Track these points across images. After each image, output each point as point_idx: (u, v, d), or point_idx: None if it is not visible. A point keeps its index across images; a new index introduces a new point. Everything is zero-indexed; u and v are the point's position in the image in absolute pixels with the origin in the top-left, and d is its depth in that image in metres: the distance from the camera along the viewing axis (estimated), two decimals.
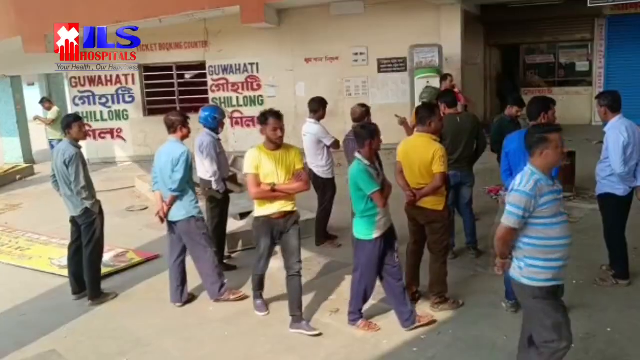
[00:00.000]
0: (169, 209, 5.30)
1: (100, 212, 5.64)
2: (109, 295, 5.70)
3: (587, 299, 5.01)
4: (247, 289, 5.62)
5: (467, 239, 6.20)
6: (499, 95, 16.47)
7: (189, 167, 5.26)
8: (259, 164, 4.66)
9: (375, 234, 4.50)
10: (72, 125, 5.49)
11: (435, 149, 4.68)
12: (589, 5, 9.50)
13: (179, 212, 5.30)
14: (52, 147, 12.66)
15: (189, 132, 5.51)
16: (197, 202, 5.42)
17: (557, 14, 14.76)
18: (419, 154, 4.74)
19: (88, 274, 5.59)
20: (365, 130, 4.55)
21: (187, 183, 5.30)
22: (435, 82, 10.77)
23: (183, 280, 5.49)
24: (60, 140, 11.29)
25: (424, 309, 4.97)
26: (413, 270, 5.11)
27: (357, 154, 4.55)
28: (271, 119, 4.66)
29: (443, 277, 4.95)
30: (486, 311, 4.87)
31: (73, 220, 5.65)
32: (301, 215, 7.29)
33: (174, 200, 5.27)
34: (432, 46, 11.71)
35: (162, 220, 5.43)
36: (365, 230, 4.53)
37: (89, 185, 5.53)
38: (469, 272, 5.76)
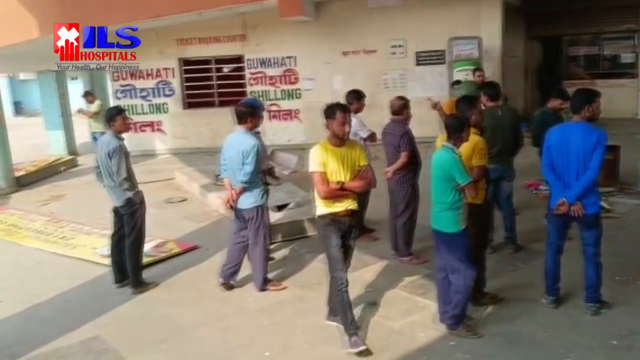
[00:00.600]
0: (237, 197, 5.43)
1: (142, 202, 5.77)
2: (149, 284, 5.82)
3: (629, 296, 4.89)
4: (287, 281, 5.71)
5: (505, 233, 6.12)
6: (539, 88, 16.15)
7: (258, 159, 5.38)
8: (325, 160, 4.34)
9: (463, 225, 4.38)
10: (115, 117, 5.61)
11: (476, 141, 4.62)
12: None
13: (247, 201, 5.44)
14: (94, 139, 12.95)
15: (257, 122, 5.67)
16: (264, 192, 5.55)
17: (602, 5, 14.40)
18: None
19: (130, 263, 5.73)
20: (457, 122, 4.37)
21: (257, 174, 5.42)
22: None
23: (237, 266, 5.65)
24: (102, 133, 11.56)
25: None
26: None
27: (446, 144, 4.36)
28: (339, 112, 4.30)
29: (481, 272, 4.89)
30: (525, 306, 4.81)
31: (115, 210, 5.78)
32: None
33: (243, 190, 5.39)
34: (472, 38, 11.58)
35: (230, 207, 5.59)
36: (453, 223, 4.36)
37: (131, 177, 5.64)
38: (508, 267, 5.69)
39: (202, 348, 4.56)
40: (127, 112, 14.88)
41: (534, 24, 15.67)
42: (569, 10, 14.82)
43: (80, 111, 13.52)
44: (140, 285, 5.74)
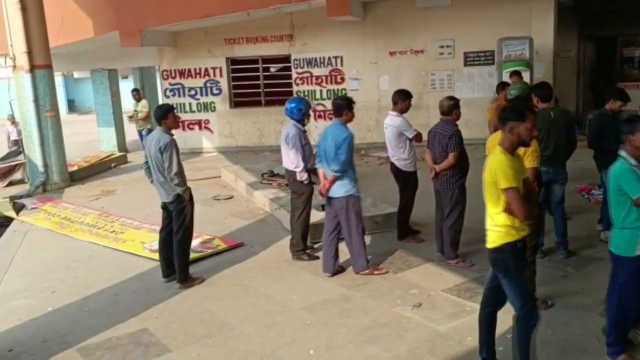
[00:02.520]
0: (330, 186, 5.64)
1: (191, 199, 5.85)
2: (196, 280, 5.90)
3: None
4: (331, 281, 5.71)
5: (557, 238, 5.95)
6: (592, 90, 15.69)
7: (351, 150, 5.60)
8: (518, 174, 3.62)
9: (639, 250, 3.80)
10: (167, 115, 5.71)
11: None
12: None
13: (338, 190, 5.66)
14: (141, 136, 13.28)
15: (353, 116, 5.86)
16: (355, 182, 5.73)
17: None
18: None
19: (177, 259, 5.82)
20: (632, 124, 3.85)
21: (349, 164, 5.61)
22: (525, 76, 10.40)
23: (336, 253, 5.84)
24: (149, 130, 11.84)
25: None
26: None
27: (621, 152, 3.84)
28: (530, 114, 3.60)
29: (531, 277, 4.76)
30: (577, 313, 4.67)
31: (164, 206, 5.88)
32: (382, 209, 7.33)
33: (335, 179, 5.60)
34: (523, 38, 11.33)
35: (323, 195, 5.80)
36: (625, 244, 3.82)
37: (181, 172, 5.72)
38: (559, 273, 5.53)
39: (248, 344, 4.59)
40: (175, 111, 15.23)
41: (587, 23, 15.21)
42: (624, 10, 14.32)
43: (132, 117, 13.92)
44: (187, 281, 5.82)
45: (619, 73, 16.07)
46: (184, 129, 14.71)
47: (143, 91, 19.08)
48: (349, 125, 5.86)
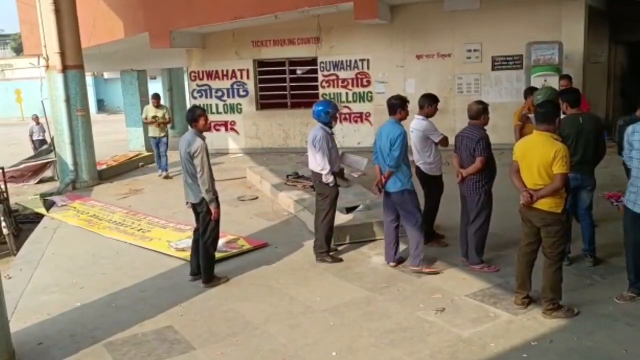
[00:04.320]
0: (386, 181, 5.87)
1: (217, 201, 5.85)
2: (221, 279, 5.96)
3: None
4: (354, 284, 5.72)
5: (584, 245, 5.87)
6: (622, 96, 15.41)
7: (405, 146, 5.81)
8: None
9: None
10: (198, 118, 5.77)
11: (558, 148, 4.47)
12: None
13: (394, 185, 5.87)
14: (155, 144, 12.22)
15: (407, 114, 6.05)
16: (410, 176, 5.93)
17: None
18: (539, 153, 4.54)
19: (204, 259, 5.88)
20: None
21: (403, 160, 5.81)
22: (554, 81, 10.27)
23: (397, 241, 6.11)
24: (158, 138, 11.78)
25: (534, 315, 4.79)
26: (524, 274, 4.92)
27: None
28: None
29: (557, 284, 4.73)
30: (603, 322, 4.61)
31: (193, 206, 5.95)
32: None
33: (390, 174, 5.82)
34: (552, 43, 11.19)
35: (379, 190, 6.02)
36: None
37: (211, 177, 5.76)
38: (585, 281, 5.46)
39: (271, 344, 4.62)
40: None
41: (618, 28, 14.94)
42: None
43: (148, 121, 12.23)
44: (212, 280, 5.89)
45: None
46: (210, 130, 14.82)
47: (171, 92, 19.40)
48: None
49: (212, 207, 5.73)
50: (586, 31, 11.98)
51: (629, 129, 4.89)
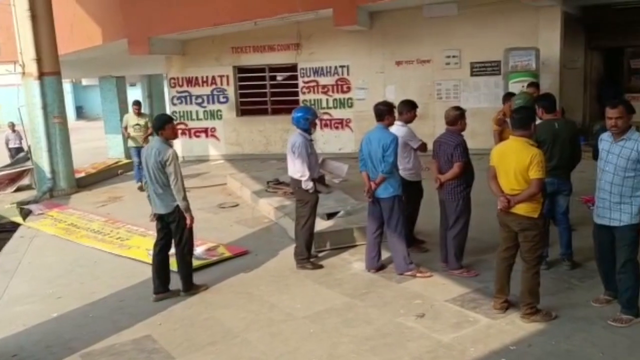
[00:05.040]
0: (376, 188, 5.85)
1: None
2: (200, 287, 5.91)
3: None
4: (335, 290, 5.71)
5: (561, 249, 5.94)
6: (599, 101, 15.65)
7: (397, 151, 5.86)
8: None
9: None
10: (165, 126, 5.60)
11: (534, 153, 4.52)
12: None
13: (386, 191, 5.87)
14: (136, 153, 12.07)
15: (394, 120, 6.09)
16: (401, 183, 5.96)
17: None
18: (515, 159, 4.59)
19: (181, 269, 5.79)
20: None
21: (395, 166, 5.85)
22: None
23: (378, 251, 6.10)
24: (141, 148, 11.43)
25: (513, 319, 4.83)
26: (503, 279, 4.96)
27: None
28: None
29: (535, 288, 4.77)
30: (580, 325, 4.65)
31: (160, 217, 5.75)
32: None
33: (383, 180, 5.80)
34: (529, 49, 11.33)
35: (370, 196, 5.96)
36: None
37: (183, 186, 5.62)
38: (563, 284, 5.51)
39: (251, 352, 4.60)
40: (182, 119, 15.16)
41: (594, 34, 15.19)
42: (632, 21, 14.30)
43: (128, 131, 11.66)
44: (191, 288, 5.83)
45: (626, 84, 16.01)
46: (190, 136, 14.80)
47: (151, 99, 19.24)
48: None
49: (188, 215, 5.63)
50: (562, 37, 12.15)
51: (601, 136, 4.92)
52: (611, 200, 4.61)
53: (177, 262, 5.81)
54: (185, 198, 5.59)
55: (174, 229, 5.72)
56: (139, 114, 11.53)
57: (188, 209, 5.63)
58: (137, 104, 11.77)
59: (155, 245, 5.86)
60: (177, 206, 5.61)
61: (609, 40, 15.26)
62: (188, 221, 5.64)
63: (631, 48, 15.77)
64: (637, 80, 15.93)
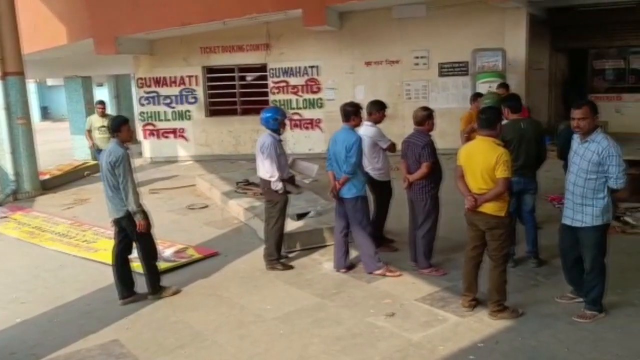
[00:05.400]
0: (340, 188, 5.89)
1: (144, 213, 5.54)
2: (168, 289, 5.81)
3: None
4: (306, 290, 5.70)
5: (527, 247, 6.04)
6: (564, 101, 15.97)
7: (361, 153, 5.91)
8: None
9: None
10: (121, 128, 5.48)
11: (500, 153, 4.58)
12: None
13: (349, 191, 5.91)
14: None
15: (361, 121, 6.13)
16: (365, 183, 6.06)
17: (629, 18, 14.17)
18: (482, 158, 4.65)
19: (147, 273, 5.68)
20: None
21: (358, 167, 5.88)
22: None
23: (346, 250, 6.13)
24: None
25: (481, 316, 4.89)
26: (471, 277, 5.01)
27: None
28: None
29: (502, 285, 4.84)
30: (546, 322, 4.73)
31: (117, 221, 5.60)
32: None
33: (347, 180, 5.84)
34: (496, 50, 11.50)
35: (335, 197, 6.01)
36: None
37: (135, 189, 5.45)
38: (530, 282, 5.60)
39: (220, 355, 4.56)
40: (150, 119, 14.98)
41: (559, 36, 15.50)
42: (596, 23, 14.65)
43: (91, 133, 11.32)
44: (159, 292, 5.74)
45: (590, 85, 16.38)
46: (159, 137, 14.63)
47: (118, 99, 18.96)
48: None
49: (137, 219, 5.43)
50: (528, 39, 12.35)
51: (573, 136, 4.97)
52: (574, 201, 4.68)
53: (142, 265, 5.71)
54: (134, 201, 5.38)
55: (130, 233, 5.57)
56: (103, 114, 11.17)
57: (137, 213, 5.41)
58: (101, 103, 11.41)
59: (114, 250, 5.74)
60: (129, 210, 5.42)
61: (573, 42, 15.59)
62: (138, 226, 5.45)
63: (594, 50, 16.15)
64: (600, 81, 16.32)
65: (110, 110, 14.34)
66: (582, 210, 4.63)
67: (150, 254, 5.71)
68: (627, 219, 7.25)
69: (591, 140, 4.54)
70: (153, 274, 5.74)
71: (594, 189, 4.55)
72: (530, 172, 5.81)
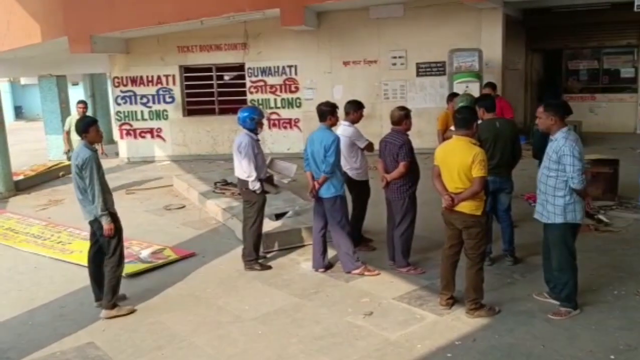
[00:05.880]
0: (319, 187, 5.89)
1: (116, 219, 5.36)
2: (123, 308, 5.39)
3: (628, 310, 4.88)
4: (284, 290, 5.69)
5: (504, 245, 6.10)
6: (539, 101, 16.19)
7: (339, 152, 5.90)
8: None
9: None
10: (89, 129, 5.26)
11: (476, 152, 4.63)
12: (635, 10, 9.29)
13: (328, 191, 5.92)
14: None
15: (337, 120, 6.14)
16: (343, 183, 6.05)
17: (603, 19, 14.45)
18: (458, 158, 4.69)
19: (107, 281, 5.34)
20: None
21: (337, 166, 5.89)
22: (475, 87, 10.65)
23: (325, 249, 6.13)
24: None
25: (458, 315, 4.92)
26: (448, 275, 5.05)
27: None
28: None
29: (479, 284, 4.88)
30: (523, 319, 4.79)
31: (91, 223, 5.40)
32: None
33: (325, 180, 5.84)
34: (472, 50, 11.59)
35: (313, 196, 6.01)
36: None
37: (104, 192, 5.23)
38: (506, 280, 5.66)
39: (198, 356, 4.53)
40: (127, 119, 14.82)
41: (534, 36, 15.73)
42: (570, 24, 14.89)
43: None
44: (112, 307, 5.31)
45: (565, 85, 16.63)
46: (135, 137, 14.47)
47: (94, 99, 18.70)
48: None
49: (104, 223, 5.19)
50: (504, 39, 12.48)
51: None
52: (540, 196, 4.89)
53: (105, 274, 5.36)
54: (100, 204, 5.16)
55: (99, 237, 5.38)
56: (84, 114, 10.54)
57: (103, 216, 5.19)
58: (82, 102, 11.00)
59: (88, 252, 5.62)
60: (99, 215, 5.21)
61: (548, 42, 15.86)
62: (105, 230, 5.22)
63: (569, 50, 16.40)
64: (574, 81, 16.58)
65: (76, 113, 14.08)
66: (545, 206, 4.81)
67: (119, 262, 5.40)
68: (601, 217, 7.37)
69: (554, 139, 4.73)
70: (112, 286, 5.35)
71: (554, 186, 4.71)
72: (505, 171, 5.87)
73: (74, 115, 11.15)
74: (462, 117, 4.81)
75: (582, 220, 4.84)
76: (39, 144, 17.55)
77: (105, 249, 5.38)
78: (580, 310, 4.83)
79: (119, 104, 14.51)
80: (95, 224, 5.34)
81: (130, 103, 14.45)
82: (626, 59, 15.70)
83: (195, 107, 14.55)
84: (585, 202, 4.81)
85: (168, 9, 11.94)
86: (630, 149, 11.86)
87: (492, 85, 8.95)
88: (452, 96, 8.46)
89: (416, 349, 4.42)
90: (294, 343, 4.64)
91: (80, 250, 7.26)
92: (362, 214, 6.77)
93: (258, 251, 6.40)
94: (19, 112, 35.41)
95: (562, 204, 4.68)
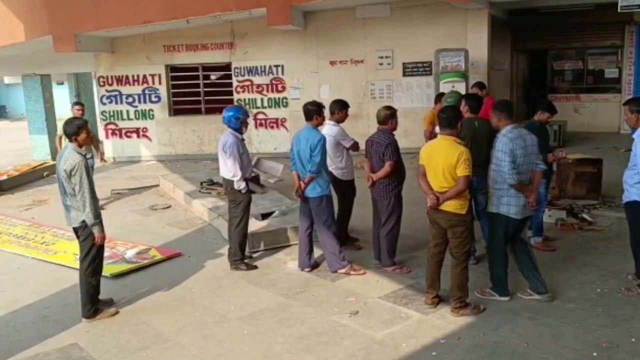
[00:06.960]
0: (305, 187, 5.90)
1: (101, 226, 5.19)
2: (106, 311, 5.31)
3: (611, 308, 4.92)
4: (270, 290, 5.68)
5: (485, 243, 6.12)
6: (525, 101, 16.31)
7: (325, 152, 5.92)
8: None
9: None
10: (80, 131, 5.12)
11: (460, 151, 4.64)
12: (619, 11, 9.39)
13: (314, 190, 5.92)
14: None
15: (324, 120, 6.16)
16: (329, 183, 6.06)
17: (587, 20, 14.57)
18: (443, 157, 4.70)
19: (82, 290, 5.21)
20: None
21: (323, 166, 5.89)
22: (461, 87, 10.70)
23: (311, 248, 6.11)
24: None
25: (443, 313, 4.94)
26: (434, 274, 5.07)
27: None
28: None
29: (464, 282, 4.90)
30: (507, 317, 4.82)
31: (75, 232, 5.29)
32: None
33: (311, 179, 5.85)
34: (458, 50, 11.63)
35: (299, 196, 6.03)
36: None
37: (93, 198, 5.10)
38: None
39: (183, 356, 4.50)
40: (112, 118, 14.71)
41: (520, 37, 15.83)
42: (555, 25, 15.01)
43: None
44: (92, 315, 5.21)
45: (550, 85, 16.77)
46: (121, 136, 14.38)
47: (79, 98, 18.54)
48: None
49: (95, 231, 5.08)
50: (490, 39, 12.55)
51: None
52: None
53: (79, 281, 5.23)
54: (92, 211, 5.03)
55: (81, 245, 5.21)
56: (82, 116, 9.83)
57: (96, 224, 5.07)
58: (79, 104, 9.81)
59: (82, 261, 5.40)
60: (85, 221, 5.08)
61: (533, 43, 15.97)
62: (96, 238, 5.12)
63: (554, 50, 16.54)
64: (560, 81, 16.72)
65: (70, 110, 13.95)
66: (491, 198, 5.13)
67: (95, 271, 5.26)
68: (584, 216, 7.44)
69: (498, 136, 5.05)
70: (90, 294, 5.23)
71: (493, 178, 5.04)
72: (482, 171, 5.78)
73: (70, 117, 10.74)
74: (447, 117, 4.83)
75: (517, 216, 4.97)
76: (23, 144, 17.40)
77: (83, 255, 5.23)
78: (511, 298, 5.13)
79: (104, 104, 14.42)
80: (80, 230, 5.16)
81: (116, 102, 14.36)
82: (610, 60, 15.85)
83: (181, 106, 14.49)
84: (528, 201, 4.96)
85: (154, 8, 11.87)
86: (614, 149, 11.97)
87: (479, 85, 8.98)
88: (441, 96, 8.49)
89: (401, 348, 4.43)
90: (279, 342, 4.63)
91: (64, 250, 7.22)
92: (348, 214, 6.78)
93: (244, 251, 6.38)
94: (2, 112, 35.13)
95: (497, 195, 5.01)
